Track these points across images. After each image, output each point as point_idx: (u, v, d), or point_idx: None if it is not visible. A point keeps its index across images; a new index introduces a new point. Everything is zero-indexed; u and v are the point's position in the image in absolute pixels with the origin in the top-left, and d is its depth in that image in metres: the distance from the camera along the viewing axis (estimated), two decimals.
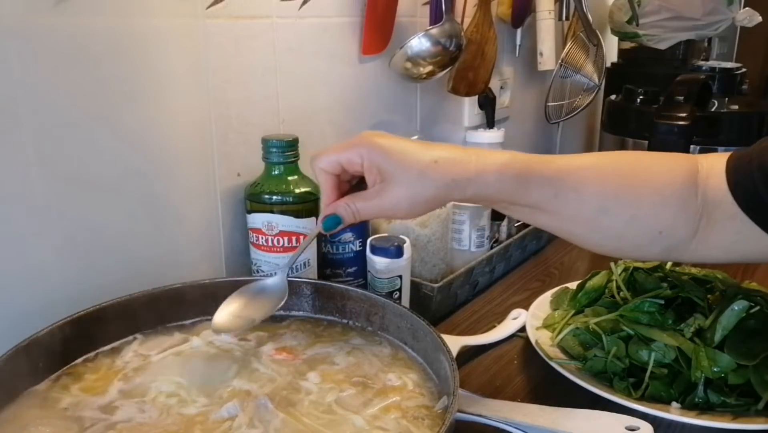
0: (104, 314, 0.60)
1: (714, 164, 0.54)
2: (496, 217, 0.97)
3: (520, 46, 1.21)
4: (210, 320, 0.66)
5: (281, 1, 0.77)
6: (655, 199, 0.53)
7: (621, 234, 0.55)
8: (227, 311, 0.59)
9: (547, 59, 1.15)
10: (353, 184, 0.57)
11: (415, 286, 0.80)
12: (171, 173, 0.70)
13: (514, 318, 0.81)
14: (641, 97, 1.14)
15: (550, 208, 0.54)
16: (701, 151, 1.05)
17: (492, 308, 0.88)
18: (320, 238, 0.75)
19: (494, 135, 1.15)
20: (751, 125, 1.06)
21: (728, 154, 0.54)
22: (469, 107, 1.15)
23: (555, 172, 0.53)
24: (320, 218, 0.57)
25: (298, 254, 0.61)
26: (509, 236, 1.01)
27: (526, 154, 0.55)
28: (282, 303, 0.60)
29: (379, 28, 0.90)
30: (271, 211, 0.71)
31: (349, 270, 0.79)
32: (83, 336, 0.59)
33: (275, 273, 0.71)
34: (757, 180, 0.50)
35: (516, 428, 0.52)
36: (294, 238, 0.71)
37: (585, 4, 1.11)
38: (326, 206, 0.56)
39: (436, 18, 0.89)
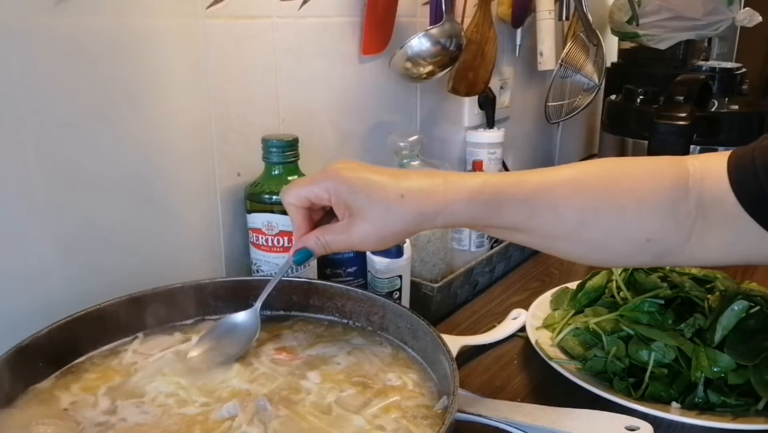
0: (104, 313, 0.60)
1: (710, 165, 0.52)
2: None
3: (520, 46, 1.21)
4: (210, 319, 0.67)
5: (281, 1, 0.77)
6: (639, 207, 0.52)
7: (605, 246, 0.53)
8: (202, 349, 0.60)
9: (547, 59, 1.15)
10: (326, 211, 0.57)
11: (415, 286, 0.80)
12: (171, 173, 0.70)
13: (514, 318, 0.81)
14: (641, 97, 1.14)
15: (527, 228, 0.53)
16: (701, 152, 1.05)
17: (492, 308, 0.88)
18: None
19: (494, 135, 1.16)
20: (751, 125, 1.06)
21: (724, 153, 0.53)
22: (469, 107, 1.15)
23: (529, 193, 0.52)
24: (292, 250, 0.57)
25: (271, 286, 0.61)
26: None
27: (498, 175, 0.54)
28: (256, 337, 0.61)
29: (379, 28, 0.90)
30: (271, 211, 0.71)
31: (349, 270, 0.79)
32: (83, 336, 0.59)
33: (272, 273, 0.71)
34: (761, 179, 0.49)
35: (516, 428, 0.52)
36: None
37: (585, 4, 1.11)
38: (297, 239, 0.57)
39: (436, 18, 0.89)
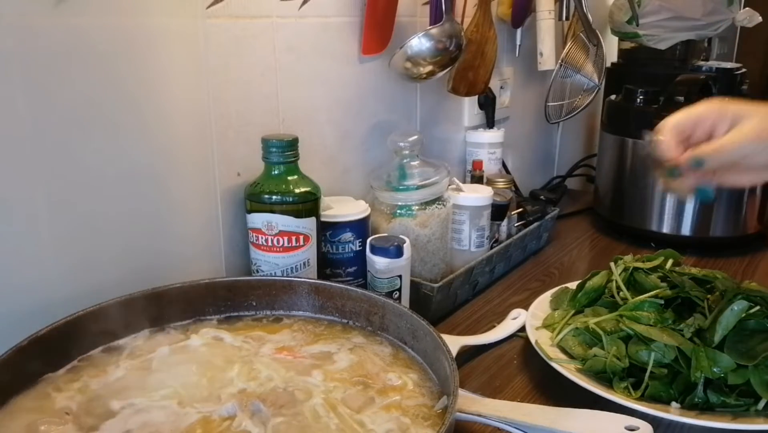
0: (104, 313, 0.60)
1: None
2: (496, 217, 0.97)
3: (520, 46, 1.21)
4: (209, 319, 0.67)
5: (281, 1, 0.77)
6: None
7: None
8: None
9: (547, 59, 1.15)
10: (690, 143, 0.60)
11: (414, 286, 0.80)
12: (171, 173, 0.70)
13: (514, 318, 0.81)
14: (641, 97, 1.14)
15: None
16: None
17: (492, 307, 0.88)
18: (320, 238, 0.75)
19: (494, 135, 1.16)
20: None
21: None
22: (469, 107, 1.15)
23: None
24: (675, 155, 0.59)
25: None
26: (509, 235, 1.01)
27: None
28: None
29: (379, 28, 0.90)
30: (271, 211, 0.71)
31: (349, 270, 0.79)
32: (83, 336, 0.59)
33: (275, 273, 0.72)
34: None
35: (516, 428, 0.52)
36: (294, 238, 0.71)
37: (585, 4, 1.11)
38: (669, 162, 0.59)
39: (436, 18, 0.89)
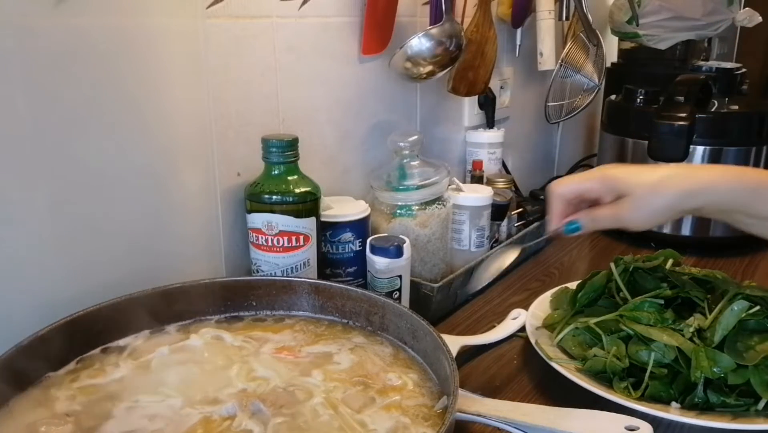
0: (104, 313, 0.60)
1: None
2: (496, 217, 0.97)
3: (520, 46, 1.21)
4: (209, 319, 0.67)
5: (281, 1, 0.77)
6: None
7: None
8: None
9: (547, 59, 1.15)
10: (579, 207, 0.66)
11: (414, 286, 0.80)
12: (171, 173, 0.70)
13: (514, 318, 0.81)
14: (641, 97, 1.14)
15: None
16: (702, 152, 1.05)
17: (492, 308, 0.88)
18: (320, 238, 0.75)
19: (494, 135, 1.16)
20: (751, 125, 1.06)
21: None
22: (469, 107, 1.15)
23: None
24: (559, 224, 0.65)
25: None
26: (509, 235, 1.01)
27: (756, 169, 0.60)
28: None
29: (379, 27, 0.90)
30: (271, 211, 0.71)
31: (349, 270, 0.79)
32: (83, 336, 0.59)
33: (275, 273, 0.71)
34: None
35: (516, 428, 0.52)
36: (294, 238, 0.71)
37: (585, 4, 1.11)
38: (554, 222, 0.65)
39: (436, 18, 0.89)
